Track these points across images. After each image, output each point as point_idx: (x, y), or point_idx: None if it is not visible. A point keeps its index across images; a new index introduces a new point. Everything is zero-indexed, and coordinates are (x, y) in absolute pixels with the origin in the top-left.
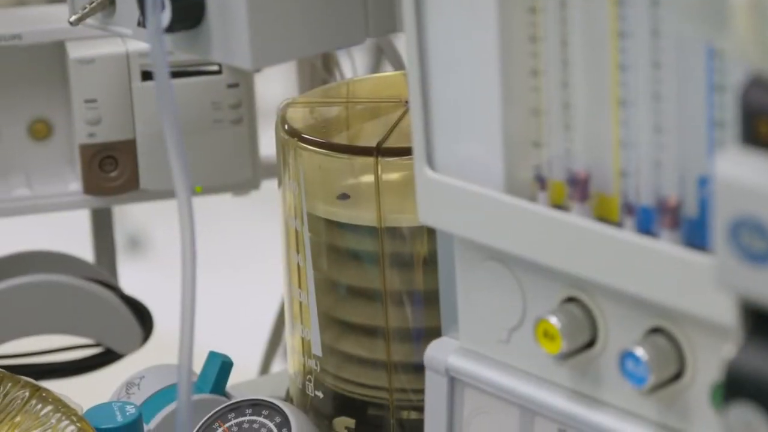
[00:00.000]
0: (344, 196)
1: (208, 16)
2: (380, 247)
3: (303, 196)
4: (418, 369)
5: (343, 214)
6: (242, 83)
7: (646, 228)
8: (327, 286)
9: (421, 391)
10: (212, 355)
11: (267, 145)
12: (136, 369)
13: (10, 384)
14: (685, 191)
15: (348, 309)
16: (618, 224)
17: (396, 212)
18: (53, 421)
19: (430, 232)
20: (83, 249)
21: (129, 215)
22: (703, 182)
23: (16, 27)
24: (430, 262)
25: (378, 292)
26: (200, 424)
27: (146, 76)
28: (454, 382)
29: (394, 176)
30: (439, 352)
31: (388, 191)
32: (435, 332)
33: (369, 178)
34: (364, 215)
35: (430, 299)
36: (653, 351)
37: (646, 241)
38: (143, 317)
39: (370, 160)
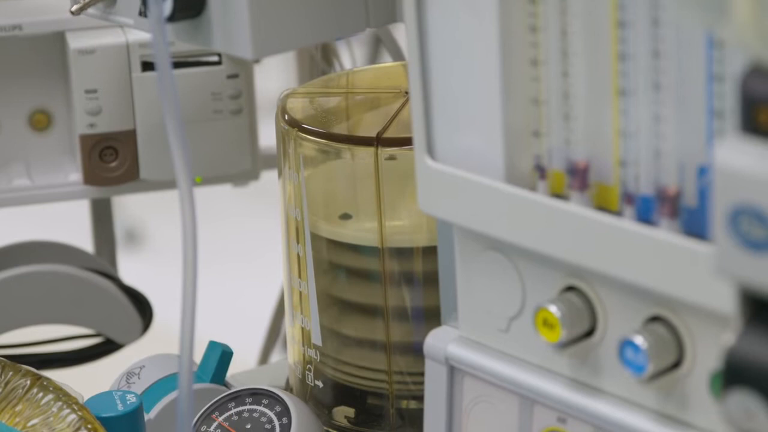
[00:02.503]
0: (346, 216)
1: (209, 6)
2: (382, 258)
3: (302, 185)
4: (418, 355)
5: (346, 234)
6: (242, 74)
7: (645, 217)
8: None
9: (421, 380)
10: (212, 345)
11: (266, 136)
12: (135, 359)
13: (11, 373)
14: (685, 180)
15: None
16: (617, 213)
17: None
18: (54, 409)
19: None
20: (83, 239)
21: (125, 208)
22: (703, 171)
23: (16, 17)
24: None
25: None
26: (200, 413)
27: (146, 66)
28: (454, 371)
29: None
30: (438, 341)
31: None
32: (434, 314)
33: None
34: (367, 236)
35: (429, 280)
36: (652, 339)
37: (645, 230)
38: (143, 307)
39: (371, 161)
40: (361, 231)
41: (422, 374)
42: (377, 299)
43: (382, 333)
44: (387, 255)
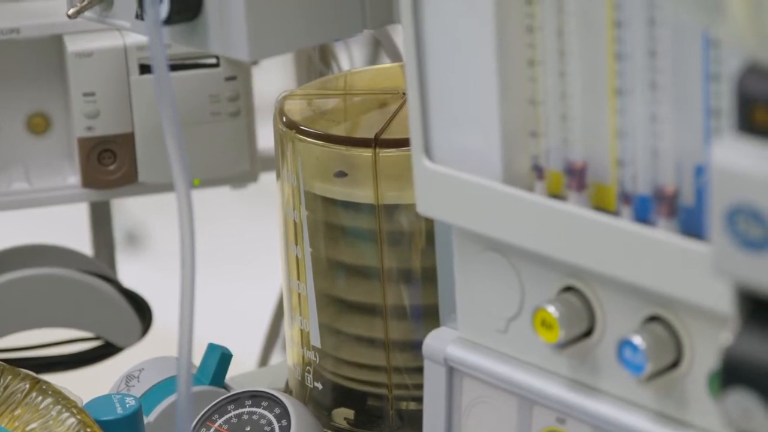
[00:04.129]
0: (341, 174)
1: (206, 8)
2: (378, 228)
3: (301, 182)
4: (417, 352)
5: (340, 191)
6: (240, 76)
7: (643, 217)
8: (325, 269)
9: (420, 383)
10: (211, 347)
11: (265, 138)
12: (135, 362)
13: (10, 377)
14: (682, 180)
15: (346, 289)
16: (615, 213)
17: (394, 190)
18: (53, 413)
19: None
20: (82, 242)
21: (126, 211)
22: (700, 171)
23: (14, 21)
24: (428, 241)
25: (376, 270)
26: (200, 415)
27: (144, 69)
28: (453, 371)
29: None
30: (437, 342)
31: (386, 171)
32: (433, 312)
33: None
34: (360, 192)
35: (427, 278)
36: (651, 339)
37: (643, 229)
38: (142, 310)
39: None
40: (355, 188)
41: (419, 346)
42: (374, 262)
43: (379, 297)
44: (382, 213)
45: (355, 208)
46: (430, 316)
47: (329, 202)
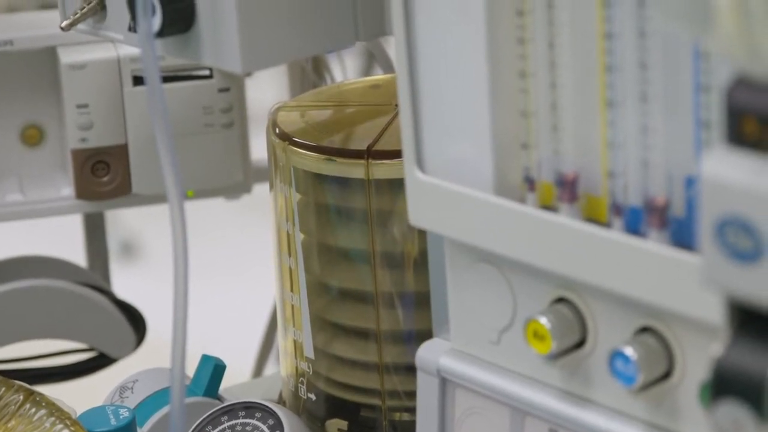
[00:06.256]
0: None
1: (199, 21)
2: (368, 209)
3: (294, 198)
4: (409, 346)
5: (331, 168)
6: (233, 87)
7: (634, 228)
8: (316, 257)
9: (413, 389)
10: (205, 358)
11: (258, 149)
12: (130, 373)
13: (3, 388)
14: (673, 191)
15: (337, 278)
16: (606, 225)
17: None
18: (47, 425)
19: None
20: (76, 254)
21: (121, 221)
22: (690, 182)
23: (8, 33)
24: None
25: (366, 254)
26: (193, 427)
27: (138, 80)
28: (446, 383)
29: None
30: (430, 353)
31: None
32: (425, 301)
33: None
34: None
35: (419, 266)
36: (642, 350)
37: (634, 241)
38: (136, 321)
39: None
40: (347, 165)
41: (411, 338)
42: (365, 247)
43: (370, 285)
44: (373, 190)
45: (346, 185)
46: (421, 305)
47: (320, 182)
